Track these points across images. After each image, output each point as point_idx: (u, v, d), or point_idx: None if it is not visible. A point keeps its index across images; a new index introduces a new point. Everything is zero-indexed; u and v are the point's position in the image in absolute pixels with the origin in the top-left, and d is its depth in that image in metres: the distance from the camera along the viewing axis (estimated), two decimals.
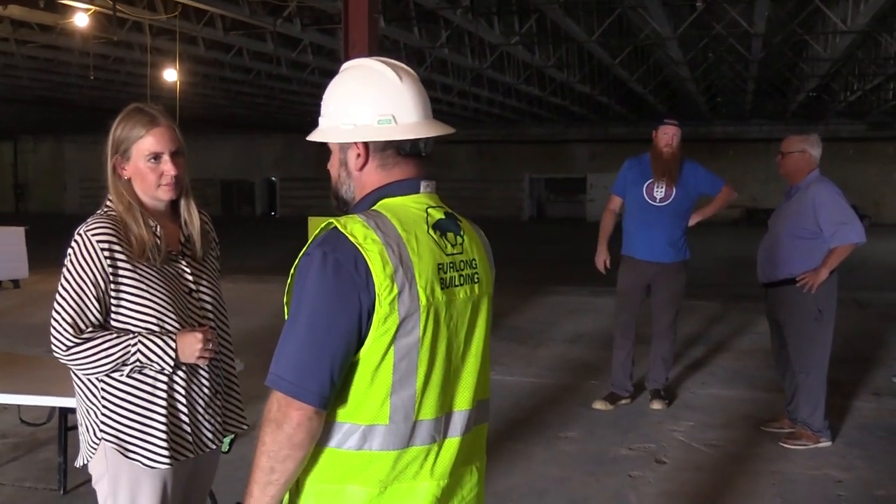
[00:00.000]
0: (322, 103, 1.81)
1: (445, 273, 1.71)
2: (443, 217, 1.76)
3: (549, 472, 4.75)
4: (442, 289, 1.69)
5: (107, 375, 2.33)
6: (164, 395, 2.36)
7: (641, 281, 5.97)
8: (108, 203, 2.41)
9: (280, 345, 1.63)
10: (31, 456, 4.93)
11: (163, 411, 2.36)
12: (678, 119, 6.12)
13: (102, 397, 2.35)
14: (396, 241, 1.65)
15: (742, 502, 4.41)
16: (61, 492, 4.33)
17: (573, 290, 11.89)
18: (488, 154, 36.69)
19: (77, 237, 2.32)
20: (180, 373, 2.38)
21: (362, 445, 1.65)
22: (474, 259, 1.80)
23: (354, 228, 1.64)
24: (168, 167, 2.40)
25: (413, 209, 1.73)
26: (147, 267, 2.36)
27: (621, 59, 19.37)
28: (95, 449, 2.37)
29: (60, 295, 2.30)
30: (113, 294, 2.32)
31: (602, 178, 32.11)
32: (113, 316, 2.34)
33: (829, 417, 5.25)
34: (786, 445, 5.16)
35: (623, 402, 6.03)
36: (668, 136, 5.82)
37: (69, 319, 2.28)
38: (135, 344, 2.29)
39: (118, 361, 2.29)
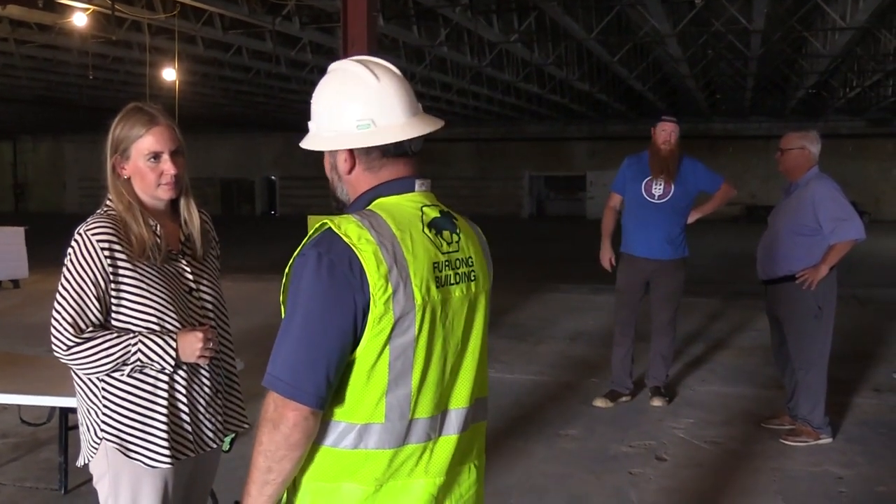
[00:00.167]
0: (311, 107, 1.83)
1: (441, 271, 1.71)
2: (438, 215, 1.76)
3: (549, 469, 4.75)
4: (437, 287, 1.69)
5: (108, 375, 2.33)
6: (164, 394, 2.36)
7: (640, 278, 5.97)
8: (107, 202, 2.41)
9: (276, 346, 1.64)
10: (32, 456, 4.93)
11: (164, 411, 2.36)
12: (677, 116, 6.13)
13: (103, 397, 2.35)
14: (391, 241, 1.65)
15: (742, 499, 4.41)
16: (62, 491, 4.33)
17: (573, 288, 11.89)
18: (488, 152, 36.68)
19: (77, 237, 2.32)
20: (181, 372, 2.38)
21: (358, 444, 1.66)
22: (470, 257, 1.80)
23: (349, 229, 1.64)
24: (168, 166, 2.40)
25: (408, 208, 1.73)
26: (147, 266, 2.36)
27: (620, 56, 19.36)
28: (96, 448, 2.37)
29: (61, 294, 2.30)
30: (113, 293, 2.32)
31: (601, 176, 32.12)
32: (113, 315, 2.34)
33: (829, 414, 5.25)
34: (786, 442, 5.16)
35: (623, 399, 6.04)
36: (665, 132, 5.82)
37: (69, 319, 2.28)
38: (135, 343, 2.29)
39: (119, 361, 2.29)
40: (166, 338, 2.32)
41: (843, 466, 4.81)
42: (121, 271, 2.32)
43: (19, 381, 4.19)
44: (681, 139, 5.90)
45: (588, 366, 7.24)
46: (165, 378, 2.36)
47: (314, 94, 1.80)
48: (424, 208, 1.75)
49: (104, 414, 2.35)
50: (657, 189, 5.84)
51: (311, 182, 34.74)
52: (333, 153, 1.78)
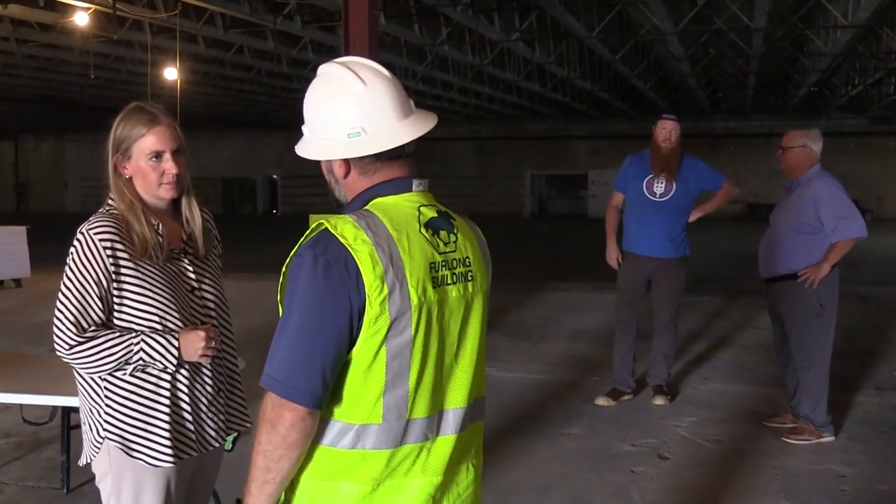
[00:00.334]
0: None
1: (438, 272, 1.71)
2: (435, 215, 1.76)
3: (551, 468, 4.75)
4: (434, 287, 1.69)
5: (110, 374, 2.33)
6: (167, 393, 2.36)
7: (641, 276, 5.97)
8: (109, 202, 2.41)
9: (273, 346, 1.65)
10: (34, 455, 4.94)
11: (166, 410, 2.36)
12: (679, 114, 6.13)
13: (106, 396, 2.35)
14: (387, 241, 1.65)
15: (745, 498, 4.40)
16: (64, 491, 4.33)
17: (575, 287, 11.88)
18: (489, 151, 36.67)
19: (79, 236, 2.32)
20: (183, 371, 2.38)
21: (356, 444, 1.67)
22: (468, 257, 1.79)
23: (345, 229, 1.64)
24: (169, 166, 2.40)
25: (405, 208, 1.73)
26: (149, 265, 2.36)
27: (622, 54, 19.34)
28: (99, 448, 2.37)
29: (63, 294, 2.30)
30: (115, 292, 2.32)
31: (603, 175, 32.07)
32: (115, 314, 2.34)
33: (831, 412, 5.25)
34: (788, 441, 5.16)
35: (625, 398, 6.04)
36: (665, 130, 5.82)
37: (72, 318, 2.28)
38: (137, 342, 2.29)
39: (121, 360, 2.29)
40: (168, 337, 2.32)
41: (845, 465, 4.81)
42: (123, 270, 2.32)
43: (21, 381, 4.19)
44: (682, 137, 5.90)
45: (590, 364, 7.24)
46: (168, 377, 2.36)
47: (305, 99, 1.80)
48: (422, 208, 1.74)
49: (106, 413, 2.35)
50: (659, 187, 5.84)
51: (313, 181, 34.61)
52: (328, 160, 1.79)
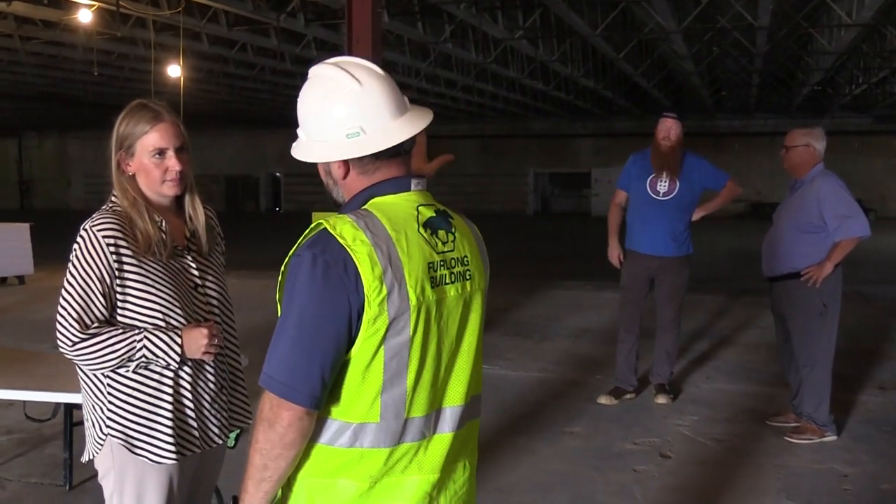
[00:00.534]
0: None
1: (436, 271, 1.71)
2: (433, 215, 1.76)
3: (553, 466, 4.75)
4: (432, 287, 1.69)
5: (113, 371, 2.33)
6: (170, 390, 2.37)
7: (644, 275, 5.97)
8: (112, 199, 2.42)
9: (272, 345, 1.65)
10: (37, 452, 4.95)
11: (169, 407, 2.36)
12: (682, 113, 6.13)
13: (109, 393, 2.35)
14: (386, 242, 1.65)
15: (747, 497, 4.40)
16: (67, 487, 4.34)
17: (578, 285, 11.88)
18: (492, 149, 36.64)
19: (83, 233, 2.32)
20: (186, 368, 2.38)
21: (354, 443, 1.67)
22: (466, 256, 1.79)
23: (344, 230, 1.64)
24: (172, 163, 2.40)
25: (403, 207, 1.73)
26: (153, 262, 2.36)
27: (625, 53, 19.32)
28: (101, 444, 2.38)
29: (66, 290, 2.30)
30: (119, 289, 2.32)
31: (606, 173, 32.03)
32: (119, 311, 2.34)
33: (834, 412, 5.24)
34: (791, 440, 5.15)
35: (628, 396, 6.03)
36: (665, 129, 5.82)
37: (75, 315, 2.28)
38: (140, 339, 2.30)
39: (124, 357, 2.29)
40: (171, 334, 2.33)
41: (847, 464, 4.80)
42: (126, 267, 2.32)
43: (24, 377, 4.20)
44: (684, 136, 5.89)
45: (592, 363, 7.24)
46: (171, 374, 2.36)
47: (299, 102, 1.79)
48: (420, 208, 1.74)
49: (109, 410, 2.35)
50: (662, 186, 5.84)
51: (316, 179, 34.02)
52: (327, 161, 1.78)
